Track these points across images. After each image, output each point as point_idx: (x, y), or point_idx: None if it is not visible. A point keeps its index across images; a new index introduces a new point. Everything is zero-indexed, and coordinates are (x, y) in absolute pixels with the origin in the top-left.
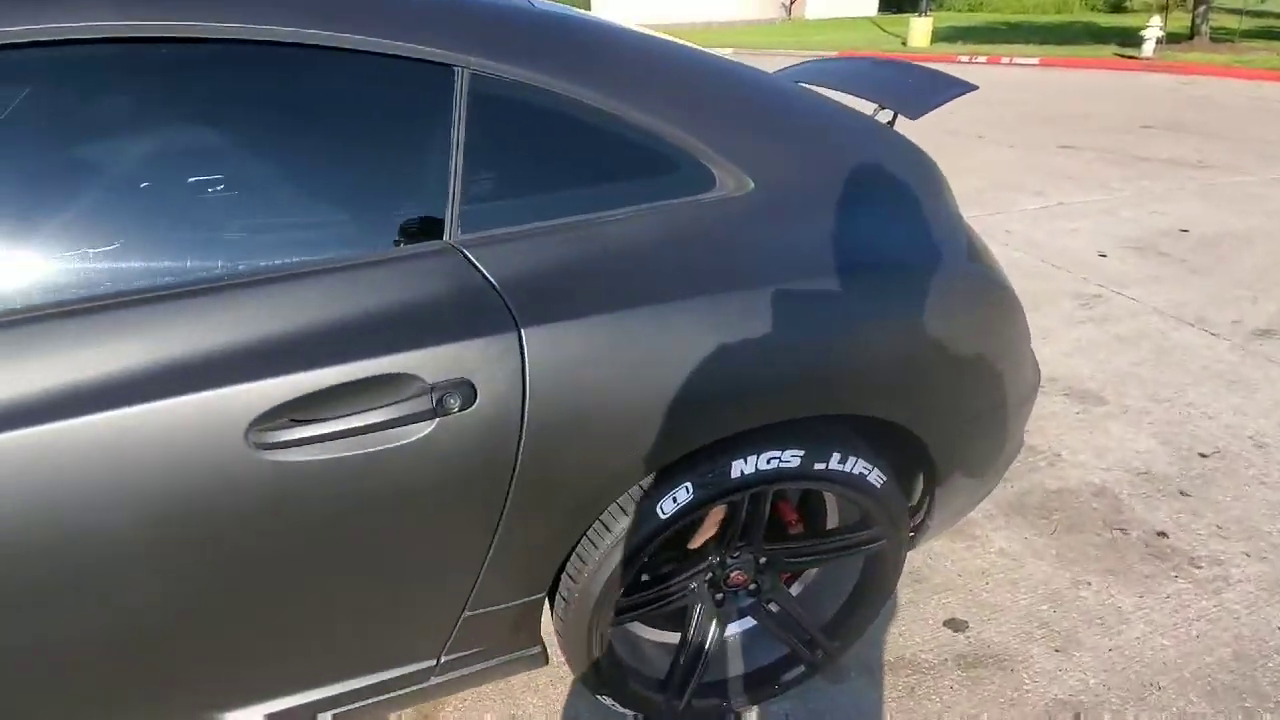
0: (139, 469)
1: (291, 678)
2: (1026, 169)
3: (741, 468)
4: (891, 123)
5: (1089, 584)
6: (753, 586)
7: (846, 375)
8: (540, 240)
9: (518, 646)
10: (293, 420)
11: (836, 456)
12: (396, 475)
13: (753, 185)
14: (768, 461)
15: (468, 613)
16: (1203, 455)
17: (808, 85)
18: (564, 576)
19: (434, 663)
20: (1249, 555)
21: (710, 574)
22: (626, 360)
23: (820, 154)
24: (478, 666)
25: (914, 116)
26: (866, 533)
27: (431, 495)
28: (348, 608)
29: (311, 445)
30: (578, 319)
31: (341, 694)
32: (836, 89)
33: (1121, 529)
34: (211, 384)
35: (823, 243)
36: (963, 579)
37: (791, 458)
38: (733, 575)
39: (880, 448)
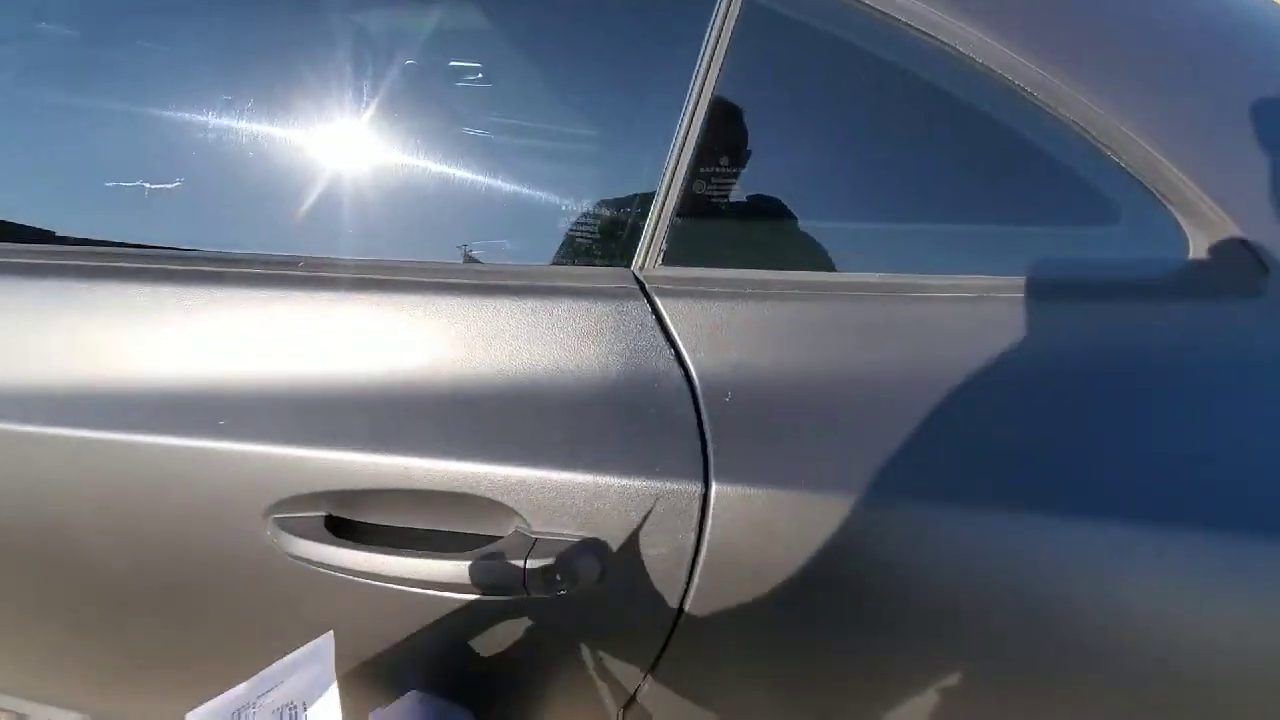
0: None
1: None
2: None
3: None
4: None
5: None
6: None
7: None
8: (810, 306)
9: None
10: (330, 519)
11: None
12: (458, 629)
13: (1269, 289)
14: None
15: None
16: None
17: None
18: None
19: None
20: None
21: None
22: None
23: None
24: None
25: None
26: None
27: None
28: None
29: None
30: (845, 494)
31: None
32: None
33: None
34: (235, 434)
35: None
36: None
37: None
38: None
39: None
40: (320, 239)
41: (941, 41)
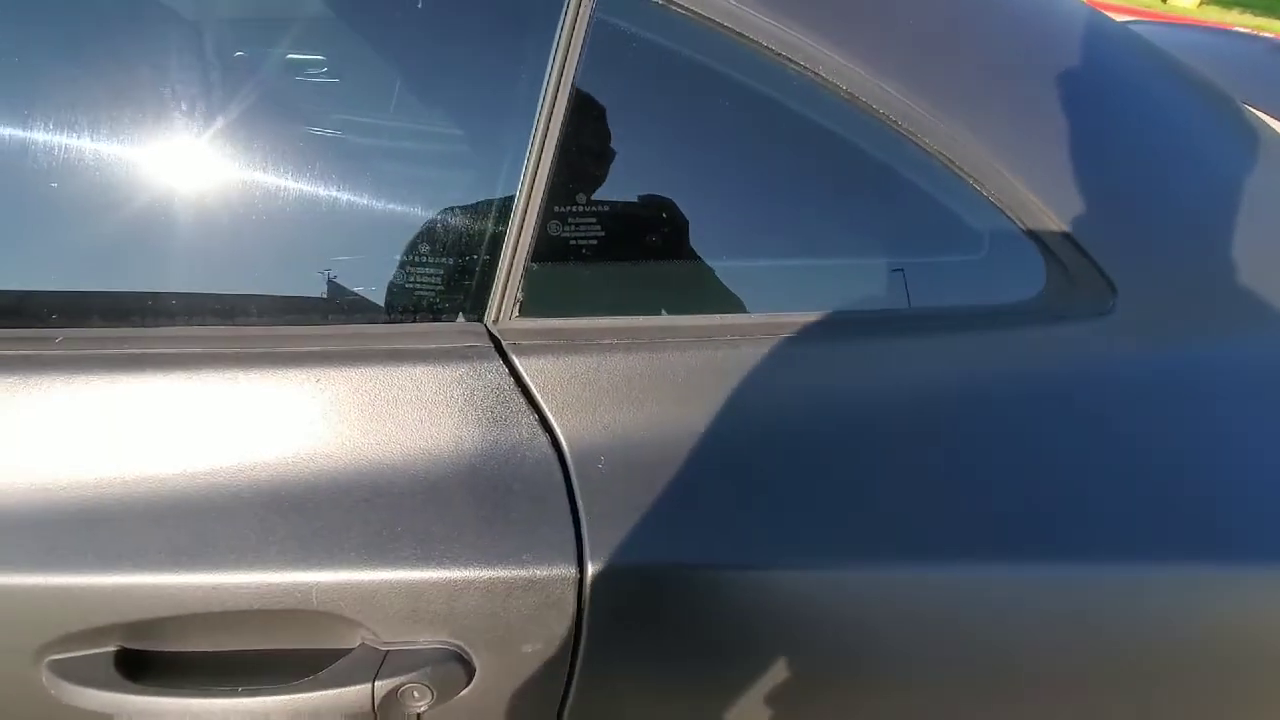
0: None
1: None
2: None
3: None
4: None
5: None
6: None
7: None
8: (687, 355)
9: None
10: (123, 651)
11: None
12: None
13: (1115, 299)
14: None
15: None
16: None
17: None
18: None
19: None
20: None
21: None
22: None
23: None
24: None
25: None
26: None
27: None
28: None
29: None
30: (742, 563)
31: None
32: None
33: None
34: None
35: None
36: None
37: None
38: None
39: None
40: (87, 306)
41: (802, 66)
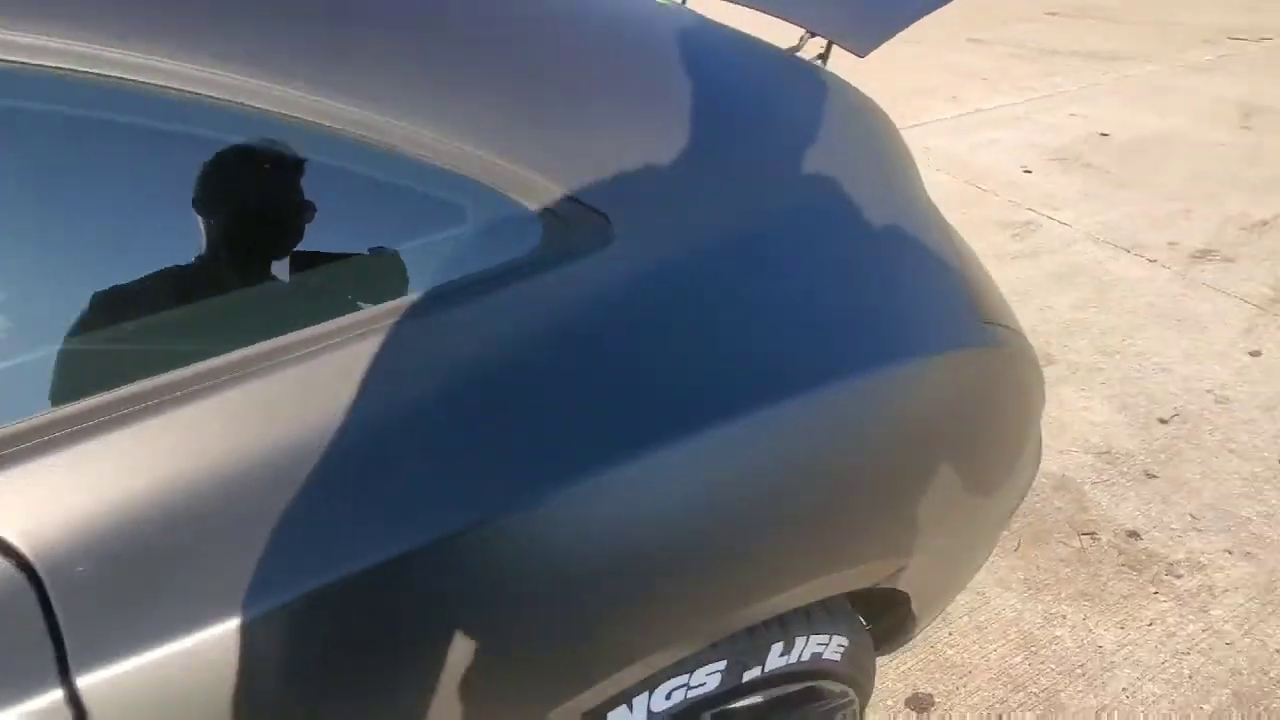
0: None
1: None
2: (934, 70)
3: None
4: (822, 59)
5: (1064, 618)
6: None
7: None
8: (158, 423)
9: None
10: None
11: (777, 648)
12: None
13: (611, 228)
14: (668, 696)
15: None
16: (1162, 420)
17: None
18: None
19: None
20: (1231, 553)
21: None
22: None
23: (727, 154)
24: None
25: (863, 52)
26: (821, 704)
27: None
28: None
29: None
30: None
31: None
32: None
33: (1090, 533)
34: None
35: (750, 340)
36: (923, 633)
37: (708, 678)
38: None
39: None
40: None
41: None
